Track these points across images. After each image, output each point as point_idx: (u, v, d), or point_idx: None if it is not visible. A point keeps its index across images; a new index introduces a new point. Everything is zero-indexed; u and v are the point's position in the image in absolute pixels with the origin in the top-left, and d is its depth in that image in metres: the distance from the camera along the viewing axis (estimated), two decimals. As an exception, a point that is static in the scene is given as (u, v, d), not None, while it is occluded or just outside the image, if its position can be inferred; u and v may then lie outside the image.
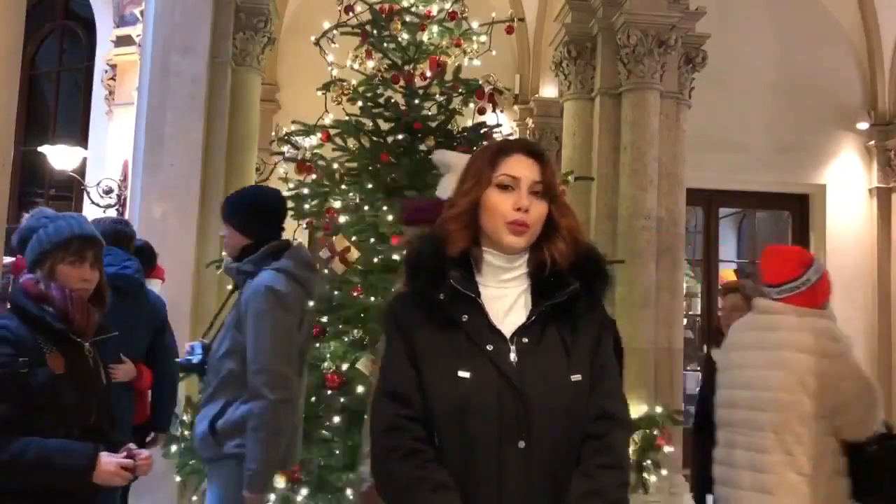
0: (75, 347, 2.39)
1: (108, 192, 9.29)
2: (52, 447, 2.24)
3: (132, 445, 2.42)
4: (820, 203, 9.14)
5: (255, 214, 3.04)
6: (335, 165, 4.47)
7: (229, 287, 3.64)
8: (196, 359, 3.13)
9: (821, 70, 9.01)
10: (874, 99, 9.25)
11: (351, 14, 4.69)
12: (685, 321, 7.79)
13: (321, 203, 4.43)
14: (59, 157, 9.91)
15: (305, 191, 4.49)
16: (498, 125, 4.64)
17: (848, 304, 7.80)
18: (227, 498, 2.90)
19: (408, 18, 4.59)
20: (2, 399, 2.21)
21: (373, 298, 3.96)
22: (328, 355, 3.88)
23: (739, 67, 8.60)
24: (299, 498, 3.45)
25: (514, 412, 1.67)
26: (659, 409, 5.43)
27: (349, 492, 3.51)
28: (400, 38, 4.57)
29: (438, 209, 1.95)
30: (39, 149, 10.08)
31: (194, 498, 4.60)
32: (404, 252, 2.32)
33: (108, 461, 2.28)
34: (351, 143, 4.58)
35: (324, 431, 3.83)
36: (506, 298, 1.76)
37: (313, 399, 3.90)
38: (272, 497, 3.31)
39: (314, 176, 4.49)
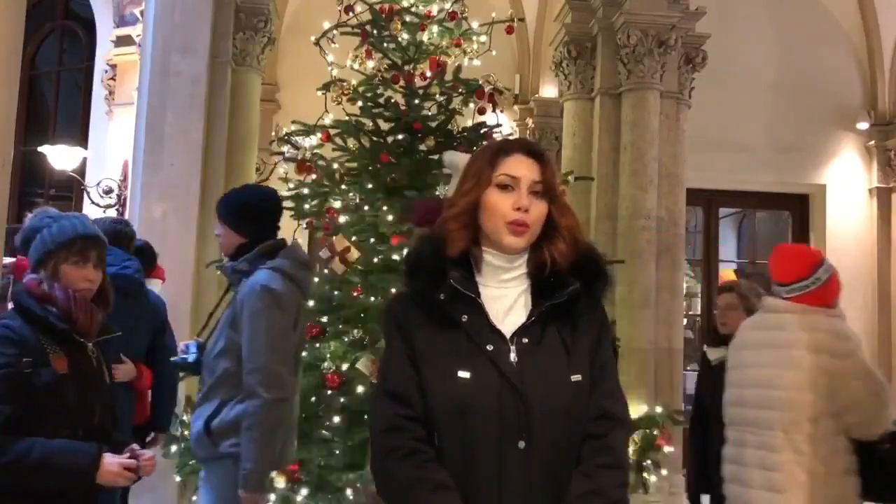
0: (79, 348, 2.39)
1: (108, 192, 9.29)
2: (56, 448, 2.24)
3: (136, 446, 2.42)
4: (820, 203, 9.14)
5: (249, 213, 3.04)
6: (335, 165, 4.47)
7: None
8: (191, 357, 3.11)
9: (821, 70, 9.01)
10: (874, 99, 9.25)
11: (351, 14, 4.68)
12: (685, 321, 7.80)
13: (321, 203, 4.42)
14: (59, 157, 9.91)
15: (305, 191, 4.48)
16: (498, 125, 4.63)
17: (848, 304, 7.68)
18: (223, 498, 2.90)
19: (408, 18, 4.59)
20: (5, 399, 2.20)
21: (373, 298, 3.95)
22: (328, 355, 3.87)
23: (739, 67, 8.60)
24: (299, 498, 3.45)
25: (514, 412, 1.67)
26: (659, 409, 5.43)
27: (349, 492, 3.51)
28: (400, 38, 4.57)
29: None
30: (39, 149, 10.08)
31: (194, 498, 4.59)
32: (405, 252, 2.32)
33: (112, 462, 2.28)
34: (351, 143, 4.57)
35: (324, 431, 3.82)
36: (506, 298, 1.76)
37: (313, 399, 3.90)
38: (272, 497, 3.31)
39: (314, 176, 4.48)
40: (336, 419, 3.77)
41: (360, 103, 4.57)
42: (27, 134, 11.25)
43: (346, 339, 3.95)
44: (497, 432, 1.66)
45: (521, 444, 1.66)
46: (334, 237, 4.14)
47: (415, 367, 1.73)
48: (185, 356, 3.13)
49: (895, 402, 2.99)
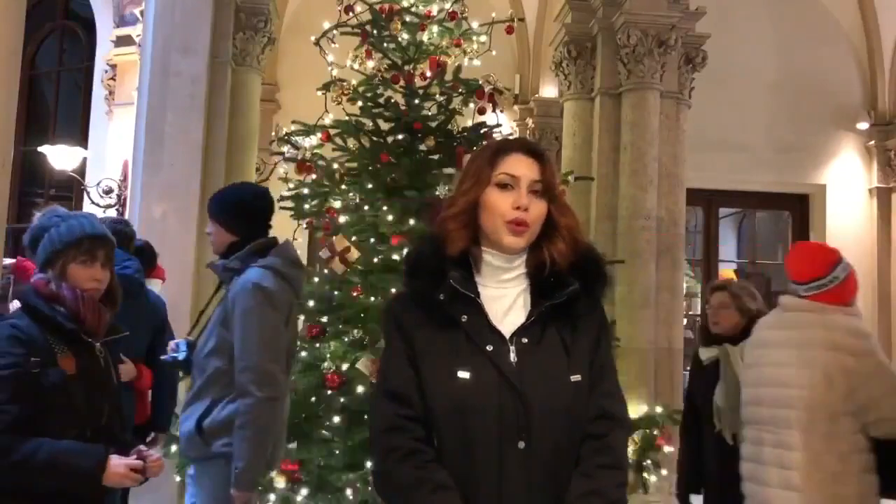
0: (87, 348, 2.38)
1: (108, 192, 9.29)
2: (63, 448, 2.23)
3: (143, 447, 2.41)
4: (820, 203, 9.15)
5: (241, 212, 3.03)
6: (335, 165, 4.46)
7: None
8: (181, 356, 3.10)
9: (821, 70, 9.02)
10: (874, 99, 9.25)
11: (351, 14, 4.68)
12: (685, 321, 7.79)
13: (321, 203, 4.42)
14: (59, 157, 9.92)
15: (305, 191, 4.48)
16: (498, 125, 4.63)
17: (848, 304, 7.79)
18: (216, 498, 2.88)
19: (408, 18, 4.59)
20: (14, 399, 2.20)
21: (373, 298, 3.95)
22: (328, 355, 3.87)
23: (739, 67, 8.61)
24: (299, 498, 3.45)
25: (513, 412, 1.67)
26: (659, 409, 5.43)
27: (349, 492, 3.51)
28: (400, 38, 4.57)
29: None
30: (39, 149, 10.09)
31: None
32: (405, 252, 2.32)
33: (118, 463, 2.27)
34: (351, 143, 4.57)
35: (324, 431, 3.82)
36: (505, 298, 1.76)
37: (313, 399, 3.90)
38: (272, 497, 3.31)
39: (314, 176, 4.48)
40: (336, 419, 3.77)
41: (360, 103, 4.57)
42: (27, 134, 11.26)
43: (346, 339, 3.95)
44: (497, 432, 1.66)
45: (521, 445, 1.66)
46: (334, 237, 4.14)
47: (414, 368, 1.73)
48: (175, 355, 3.11)
49: None
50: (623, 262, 5.81)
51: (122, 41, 9.66)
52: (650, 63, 6.68)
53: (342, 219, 4.25)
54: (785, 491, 2.91)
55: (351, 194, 4.31)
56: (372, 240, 4.17)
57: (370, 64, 4.61)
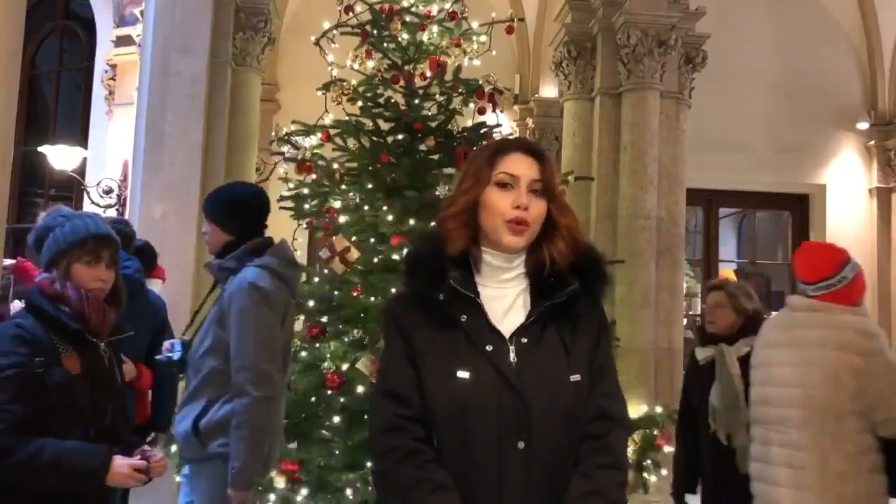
0: (91, 348, 2.38)
1: (108, 192, 9.30)
2: (67, 448, 2.23)
3: (146, 447, 2.41)
4: (820, 203, 9.15)
5: (236, 211, 3.03)
6: (335, 165, 4.46)
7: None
8: (176, 356, 3.09)
9: (821, 70, 9.02)
10: (874, 99, 9.26)
11: (351, 14, 4.68)
12: (685, 321, 7.80)
13: (321, 203, 4.42)
14: (59, 157, 9.93)
15: (305, 191, 4.48)
16: (498, 125, 4.63)
17: (848, 304, 7.79)
18: (213, 498, 2.87)
19: (408, 18, 4.58)
20: (18, 399, 2.19)
21: (373, 298, 3.95)
22: (328, 355, 3.87)
23: (739, 67, 8.61)
24: (299, 498, 3.45)
25: (513, 412, 1.66)
26: (659, 409, 5.43)
27: (349, 492, 3.51)
28: (400, 38, 4.56)
29: None
30: (39, 149, 10.09)
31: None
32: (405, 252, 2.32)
33: (121, 464, 2.27)
34: (351, 143, 4.57)
35: (324, 431, 3.82)
36: (505, 298, 1.76)
37: (313, 399, 3.89)
38: (272, 497, 3.31)
39: (314, 176, 4.48)
40: (336, 419, 3.77)
41: (360, 103, 4.57)
42: (27, 134, 11.26)
43: (346, 339, 3.94)
44: (496, 432, 1.66)
45: (521, 445, 1.66)
46: (334, 237, 4.14)
47: (414, 368, 1.73)
48: (170, 354, 3.10)
49: None
50: (623, 262, 5.81)
51: (122, 41, 9.66)
52: (650, 63, 6.68)
53: (342, 219, 4.25)
54: (793, 490, 2.91)
55: (351, 194, 4.31)
56: (372, 240, 4.16)
57: (370, 64, 4.60)
